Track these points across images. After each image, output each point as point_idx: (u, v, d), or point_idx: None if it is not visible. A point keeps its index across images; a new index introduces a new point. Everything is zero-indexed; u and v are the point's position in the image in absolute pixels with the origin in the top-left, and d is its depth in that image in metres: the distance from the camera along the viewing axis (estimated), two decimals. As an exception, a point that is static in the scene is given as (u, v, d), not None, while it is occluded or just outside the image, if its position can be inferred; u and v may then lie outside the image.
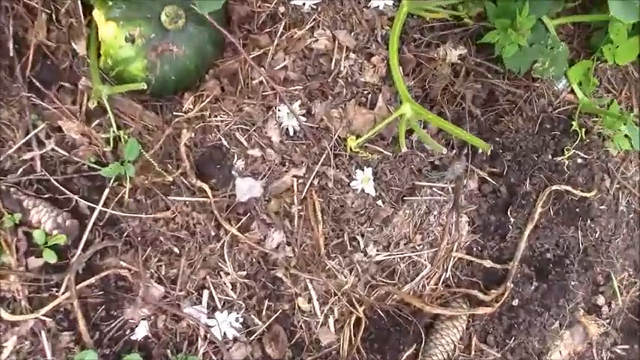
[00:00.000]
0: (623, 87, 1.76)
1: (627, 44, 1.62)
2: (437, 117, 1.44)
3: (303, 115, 1.48)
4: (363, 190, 1.49)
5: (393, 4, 1.55)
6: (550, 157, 1.64)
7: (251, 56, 1.47)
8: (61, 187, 1.38)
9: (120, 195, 1.40)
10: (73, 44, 1.41)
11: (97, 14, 1.36)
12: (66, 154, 1.39)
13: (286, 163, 1.47)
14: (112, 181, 1.40)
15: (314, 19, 1.52)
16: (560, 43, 1.59)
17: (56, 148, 1.38)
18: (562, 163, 1.64)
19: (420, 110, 1.43)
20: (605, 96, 1.73)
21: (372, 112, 1.50)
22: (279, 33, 1.51)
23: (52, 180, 1.37)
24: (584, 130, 1.64)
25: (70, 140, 1.39)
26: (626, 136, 1.67)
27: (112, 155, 1.40)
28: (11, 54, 1.36)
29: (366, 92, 1.51)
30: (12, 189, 1.35)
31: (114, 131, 1.38)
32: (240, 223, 1.44)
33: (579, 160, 1.67)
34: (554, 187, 1.61)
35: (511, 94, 1.63)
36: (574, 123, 1.63)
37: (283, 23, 1.51)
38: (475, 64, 1.58)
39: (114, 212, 1.40)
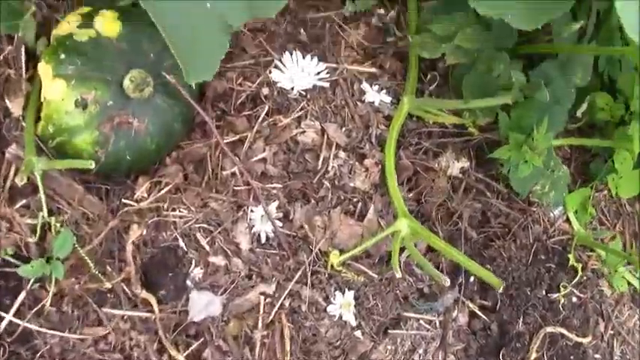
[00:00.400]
0: (617, 221, 1.61)
1: (632, 175, 1.48)
2: (440, 240, 1.22)
3: (280, 220, 1.23)
4: (340, 317, 1.23)
5: (391, 101, 1.36)
6: (544, 292, 1.45)
7: (225, 141, 1.22)
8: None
9: (41, 303, 1.08)
10: (6, 101, 1.13)
11: (44, 68, 1.09)
12: (-25, 241, 1.07)
13: (253, 277, 1.20)
14: (31, 282, 1.08)
15: (302, 108, 1.30)
16: (561, 166, 1.45)
17: (-37, 232, 1.06)
18: (557, 301, 1.45)
19: (419, 229, 1.22)
20: (600, 228, 1.58)
21: (361, 224, 1.27)
22: (261, 118, 1.27)
23: (-49, 275, 1.04)
24: (580, 265, 1.47)
25: (-17, 224, 1.08)
26: (624, 277, 1.51)
27: (36, 248, 1.09)
28: None
29: (354, 200, 1.28)
30: None
31: (44, 217, 1.08)
32: (189, 350, 1.14)
33: (574, 299, 1.49)
34: (549, 329, 1.42)
35: (504, 217, 1.45)
36: (570, 257, 1.46)
37: (266, 108, 1.28)
38: (475, 180, 1.39)
39: (28, 325, 1.07)
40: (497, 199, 1.44)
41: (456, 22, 1.27)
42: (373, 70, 1.40)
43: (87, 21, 1.11)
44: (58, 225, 1.09)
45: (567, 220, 1.53)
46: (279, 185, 1.25)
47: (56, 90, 1.07)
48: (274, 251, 1.22)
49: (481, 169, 1.42)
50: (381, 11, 1.45)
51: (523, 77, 1.23)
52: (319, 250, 1.24)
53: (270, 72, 1.31)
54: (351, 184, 1.28)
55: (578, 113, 1.42)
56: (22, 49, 1.13)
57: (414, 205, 1.35)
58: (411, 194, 1.34)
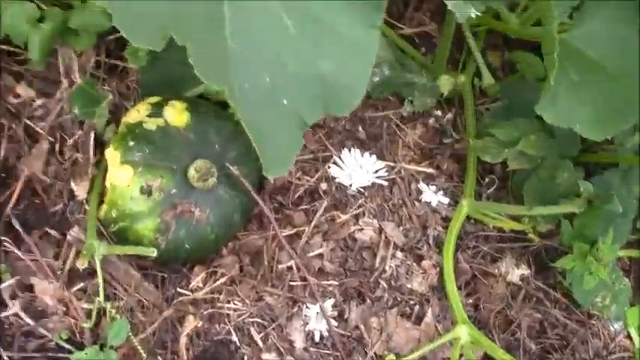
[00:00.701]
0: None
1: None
2: (502, 351, 1.17)
3: (335, 319, 1.19)
4: None
5: (448, 202, 1.34)
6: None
7: (282, 235, 1.21)
8: (13, 369, 1.03)
9: (91, 392, 1.05)
10: (72, 184, 1.13)
11: (112, 154, 1.10)
12: (31, 322, 1.05)
13: (306, 377, 1.16)
14: (83, 371, 1.05)
15: (360, 205, 1.29)
16: (623, 278, 1.40)
17: (20, 313, 1.04)
18: (616, 421, 1.36)
19: (480, 337, 1.17)
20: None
21: (418, 327, 1.23)
22: (319, 213, 1.26)
23: (4, 357, 1.01)
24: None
25: (40, 305, 1.07)
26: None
27: (90, 334, 1.07)
28: (-5, 184, 1.07)
29: (412, 302, 1.25)
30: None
31: (100, 302, 1.06)
32: None
33: None
34: None
35: (562, 328, 1.38)
36: (632, 376, 1.39)
37: (324, 203, 1.27)
38: (535, 288, 1.35)
39: (79, 414, 1.04)
40: (555, 308, 1.39)
41: (519, 128, 1.26)
42: (430, 170, 1.39)
43: (156, 110, 1.13)
44: (114, 311, 1.08)
45: (628, 335, 1.46)
46: (336, 282, 1.22)
47: (123, 176, 1.08)
48: (328, 351, 1.18)
49: (539, 277, 1.38)
50: (439, 113, 1.46)
51: (590, 186, 1.21)
52: (374, 353, 1.19)
53: (329, 167, 1.31)
54: (408, 286, 1.25)
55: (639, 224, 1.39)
56: (92, 135, 1.15)
57: (472, 310, 1.30)
58: (468, 299, 1.30)
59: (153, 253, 1.05)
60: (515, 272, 1.32)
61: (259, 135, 0.85)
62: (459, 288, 1.29)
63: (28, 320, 1.06)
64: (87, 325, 1.06)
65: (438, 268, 1.28)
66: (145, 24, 0.75)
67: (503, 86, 1.41)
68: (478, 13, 1.02)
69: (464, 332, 1.17)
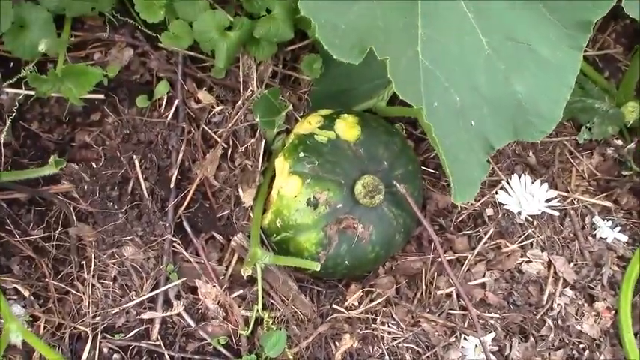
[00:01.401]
0: None
1: None
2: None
3: (494, 354, 1.12)
4: None
5: (627, 240, 1.23)
6: None
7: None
8: (173, 368, 1.04)
9: (241, 400, 1.05)
10: (239, 190, 1.14)
11: (281, 164, 1.10)
12: (193, 324, 1.07)
13: (459, 412, 1.09)
14: (237, 378, 1.06)
15: (528, 235, 1.21)
16: None
17: (183, 314, 1.06)
18: None
19: (659, 394, 1.05)
20: None
21: (585, 374, 1.12)
22: (484, 240, 1.19)
23: (166, 355, 1.03)
24: None
25: (202, 308, 1.08)
26: None
27: (246, 341, 1.06)
28: (172, 184, 1.10)
29: (580, 346, 1.15)
30: (115, 355, 1.02)
31: (258, 311, 1.05)
32: None
33: None
34: None
35: None
36: None
37: (490, 230, 1.20)
38: None
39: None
40: None
41: None
42: (607, 204, 1.29)
43: (328, 123, 1.12)
44: (270, 321, 1.07)
45: None
46: (497, 315, 1.15)
47: (291, 186, 1.07)
48: (485, 388, 1.11)
49: None
50: (619, 142, 1.35)
51: None
52: (535, 395, 1.11)
53: (496, 193, 1.24)
54: (577, 327, 1.16)
55: None
56: (262, 143, 1.15)
57: (649, 359, 1.18)
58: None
59: (317, 267, 1.03)
60: (700, 323, 1.18)
61: (449, 156, 0.80)
62: (636, 335, 1.18)
63: (190, 321, 1.08)
64: (244, 332, 1.07)
65: (612, 312, 1.17)
66: (348, 38, 0.73)
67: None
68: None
69: (640, 386, 1.06)
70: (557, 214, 1.24)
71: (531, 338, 1.15)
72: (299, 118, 1.19)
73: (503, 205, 1.23)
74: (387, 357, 1.11)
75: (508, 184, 1.25)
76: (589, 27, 0.81)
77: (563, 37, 0.81)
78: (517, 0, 0.81)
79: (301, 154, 1.09)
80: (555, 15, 0.82)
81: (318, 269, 1.03)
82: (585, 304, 1.18)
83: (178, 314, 1.07)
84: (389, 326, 1.14)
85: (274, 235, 1.11)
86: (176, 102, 1.14)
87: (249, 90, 1.11)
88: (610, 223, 1.25)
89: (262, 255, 1.07)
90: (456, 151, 0.83)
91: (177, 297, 1.09)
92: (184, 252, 1.10)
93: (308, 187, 1.07)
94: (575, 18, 0.82)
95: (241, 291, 1.11)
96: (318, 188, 1.07)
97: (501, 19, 0.82)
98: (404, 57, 0.77)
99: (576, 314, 1.17)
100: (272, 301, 1.12)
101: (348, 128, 1.11)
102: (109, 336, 1.06)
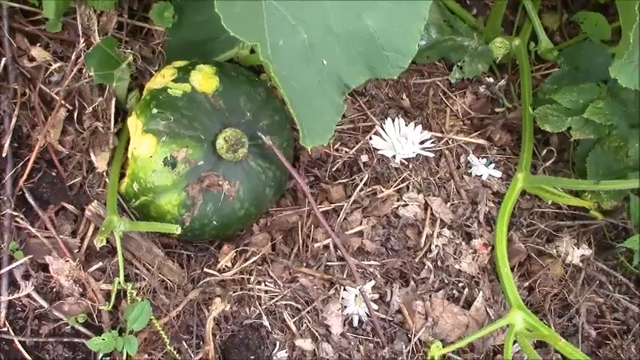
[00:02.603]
0: None
1: None
2: (563, 341, 1.05)
3: (375, 302, 1.09)
4: (439, 419, 1.07)
5: (501, 176, 1.23)
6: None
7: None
8: (25, 355, 0.94)
9: (108, 380, 0.97)
10: (91, 155, 1.04)
11: (134, 122, 1.01)
12: (45, 305, 0.98)
13: (343, 366, 1.06)
14: (100, 357, 0.97)
15: (404, 178, 1.18)
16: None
17: (34, 294, 0.96)
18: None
19: (537, 324, 1.06)
20: None
21: (466, 312, 1.12)
22: (359, 187, 1.15)
23: (16, 341, 0.94)
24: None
25: (55, 286, 0.99)
26: None
27: (108, 317, 0.98)
28: (4, 153, 0.98)
29: (460, 285, 1.14)
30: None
31: (120, 283, 0.97)
32: None
33: None
34: None
35: (622, 312, 1.26)
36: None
37: (365, 176, 1.17)
38: (596, 270, 1.22)
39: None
40: (616, 292, 1.27)
41: (584, 95, 1.14)
42: (481, 141, 1.28)
43: (183, 75, 1.04)
44: (134, 293, 0.99)
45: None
46: (377, 263, 1.12)
47: (145, 146, 0.99)
48: (367, 337, 1.09)
49: (600, 258, 1.25)
50: (490, 79, 1.34)
51: (665, 159, 1.08)
52: (418, 339, 1.09)
53: (370, 138, 1.20)
54: (457, 267, 1.15)
55: None
56: (113, 102, 1.05)
57: (525, 293, 1.19)
58: (522, 282, 1.19)
59: (177, 230, 0.96)
60: (575, 252, 1.20)
61: (296, 98, 0.74)
62: (513, 269, 1.19)
63: (42, 302, 0.98)
64: (105, 307, 0.98)
65: (489, 248, 1.17)
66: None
67: (564, 50, 1.27)
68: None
69: (519, 318, 1.07)
70: (432, 155, 1.22)
71: (412, 282, 1.13)
72: (154, 73, 1.10)
73: (378, 150, 1.20)
74: (264, 317, 1.06)
75: (382, 128, 1.22)
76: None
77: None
78: None
79: (154, 111, 1.00)
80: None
81: (179, 232, 0.96)
82: (463, 243, 1.17)
83: (28, 295, 0.97)
84: (265, 285, 1.08)
85: (133, 201, 1.02)
86: (4, 60, 1.01)
87: (88, 43, 1.00)
88: (485, 160, 1.25)
89: (118, 222, 0.98)
90: (305, 92, 0.77)
91: (26, 277, 0.99)
92: (30, 227, 1.00)
93: (164, 145, 0.99)
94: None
95: (100, 264, 1.03)
96: (175, 146, 0.99)
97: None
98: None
99: (455, 254, 1.15)
100: (136, 271, 1.04)
101: (204, 79, 1.04)
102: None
